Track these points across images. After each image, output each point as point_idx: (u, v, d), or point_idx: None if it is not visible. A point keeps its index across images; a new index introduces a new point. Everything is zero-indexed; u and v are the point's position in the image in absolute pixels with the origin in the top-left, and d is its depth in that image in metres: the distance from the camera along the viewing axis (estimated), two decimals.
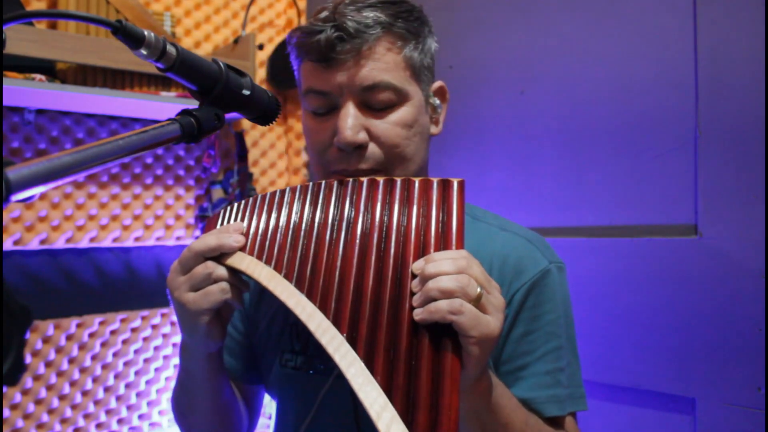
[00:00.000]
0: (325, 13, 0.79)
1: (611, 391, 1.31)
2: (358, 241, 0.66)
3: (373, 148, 0.79)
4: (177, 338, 1.86)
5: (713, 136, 1.19)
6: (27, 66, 1.49)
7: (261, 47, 1.98)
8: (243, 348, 0.96)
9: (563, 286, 0.86)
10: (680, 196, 1.23)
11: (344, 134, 0.77)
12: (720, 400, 1.15)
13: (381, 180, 0.69)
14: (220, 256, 0.70)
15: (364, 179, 0.70)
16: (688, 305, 1.20)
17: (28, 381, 1.58)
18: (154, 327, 1.81)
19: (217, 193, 1.90)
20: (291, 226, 0.71)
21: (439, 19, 1.70)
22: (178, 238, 1.88)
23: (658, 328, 1.24)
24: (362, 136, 0.78)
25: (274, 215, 0.73)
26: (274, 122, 0.74)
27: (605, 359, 1.31)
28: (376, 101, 0.79)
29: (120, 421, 1.74)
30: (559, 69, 1.43)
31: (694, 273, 1.20)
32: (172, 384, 1.82)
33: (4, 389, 1.48)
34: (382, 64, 0.78)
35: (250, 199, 0.76)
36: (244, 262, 0.69)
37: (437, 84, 0.89)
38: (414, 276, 0.61)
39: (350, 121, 0.78)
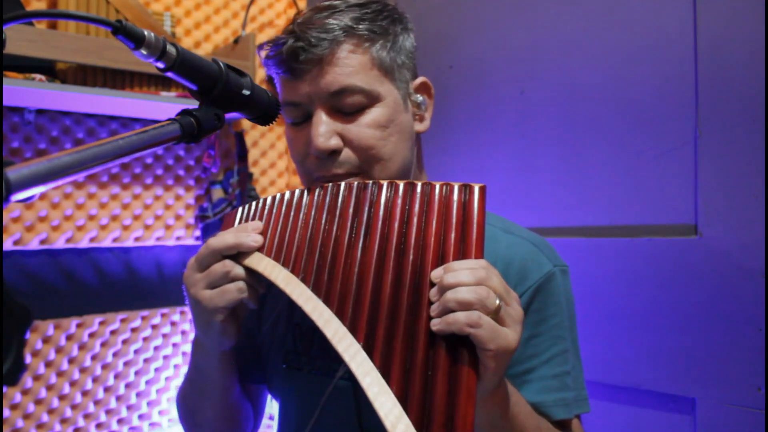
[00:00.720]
0: (291, 26, 0.80)
1: (611, 391, 1.31)
2: (376, 245, 0.64)
3: (347, 153, 0.79)
4: (177, 338, 1.86)
5: (713, 136, 1.19)
6: (27, 66, 1.49)
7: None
8: (247, 347, 0.96)
9: (567, 289, 0.86)
10: (680, 196, 1.23)
11: (315, 142, 0.78)
12: (720, 400, 1.15)
13: (401, 183, 0.68)
14: (237, 254, 0.70)
15: (384, 182, 0.69)
16: (688, 305, 1.20)
17: (28, 381, 1.58)
18: (154, 327, 1.81)
19: (217, 193, 1.90)
20: (309, 228, 0.70)
21: (439, 19, 1.70)
22: (178, 238, 1.88)
23: (658, 328, 1.24)
24: (334, 142, 0.78)
25: (292, 216, 0.72)
26: (274, 122, 0.74)
27: (605, 359, 1.31)
28: (345, 105, 0.79)
29: (120, 421, 1.74)
30: (559, 69, 1.43)
31: (694, 273, 1.20)
32: (173, 384, 1.83)
33: (4, 389, 1.48)
34: (347, 68, 0.78)
35: (268, 198, 0.76)
36: (262, 264, 0.69)
37: (419, 80, 0.87)
38: (432, 284, 0.60)
39: (320, 128, 0.78)
